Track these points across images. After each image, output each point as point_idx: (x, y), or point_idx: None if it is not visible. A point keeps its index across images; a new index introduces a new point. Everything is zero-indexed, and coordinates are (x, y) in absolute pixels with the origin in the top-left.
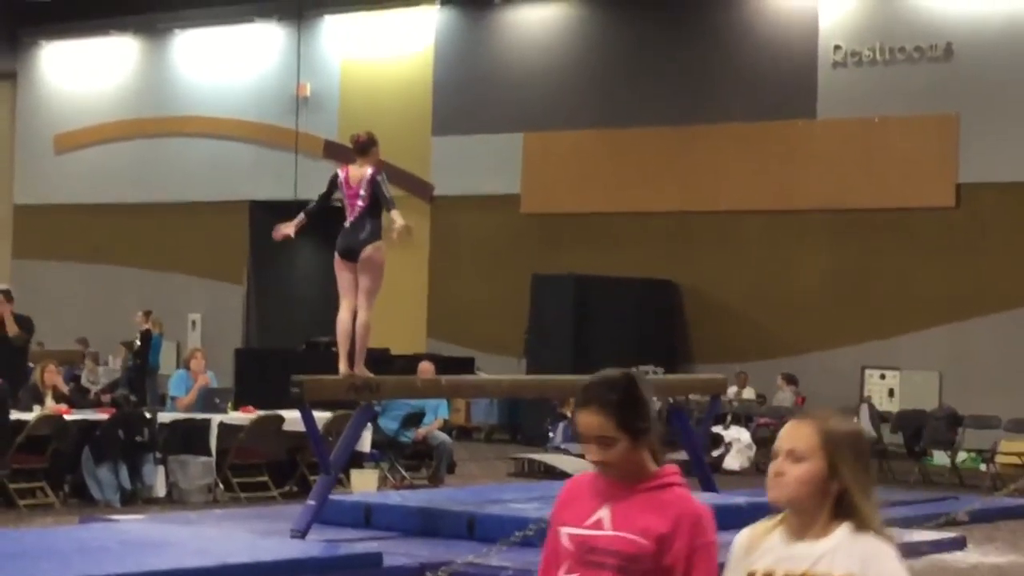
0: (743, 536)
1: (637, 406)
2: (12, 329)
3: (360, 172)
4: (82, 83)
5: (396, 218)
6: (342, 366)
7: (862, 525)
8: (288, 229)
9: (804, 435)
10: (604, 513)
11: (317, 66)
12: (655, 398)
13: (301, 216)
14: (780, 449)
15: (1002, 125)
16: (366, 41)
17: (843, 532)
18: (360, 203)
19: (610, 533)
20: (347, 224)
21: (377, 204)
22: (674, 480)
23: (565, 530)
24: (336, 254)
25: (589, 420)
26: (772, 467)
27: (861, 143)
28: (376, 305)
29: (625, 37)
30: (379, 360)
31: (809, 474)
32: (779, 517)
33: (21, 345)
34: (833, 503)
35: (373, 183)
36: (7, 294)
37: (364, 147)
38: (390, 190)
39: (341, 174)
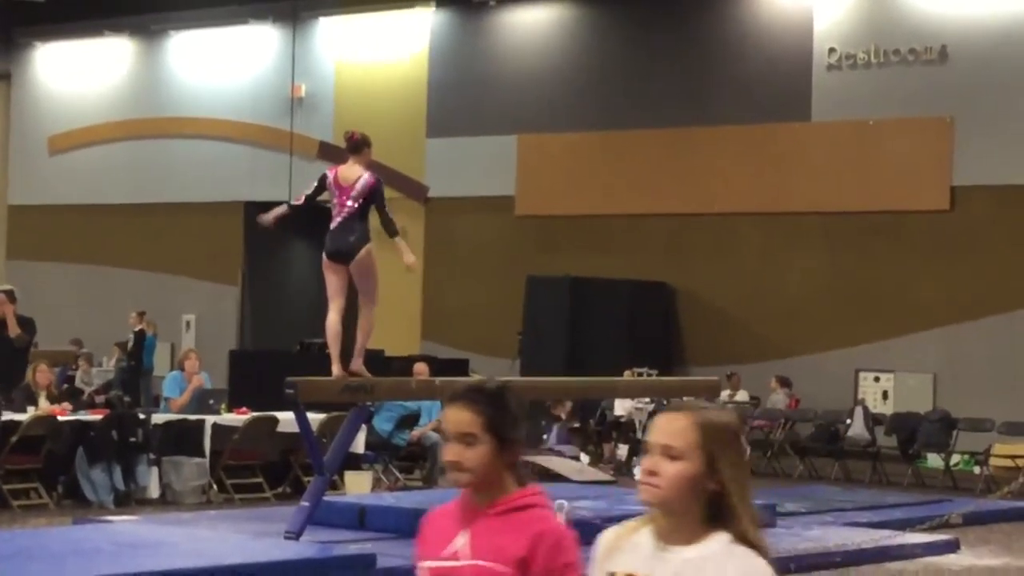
0: (606, 535)
1: (508, 413)
2: (14, 330)
3: (352, 172)
4: (76, 84)
5: (404, 250)
6: (335, 368)
7: (739, 535)
8: (270, 217)
9: (681, 429)
10: (462, 540)
11: (312, 68)
12: (648, 398)
13: (284, 207)
14: (654, 444)
15: (996, 128)
16: (361, 43)
17: (719, 542)
18: (351, 204)
19: (468, 563)
20: (335, 225)
21: (367, 206)
22: (535, 501)
23: (425, 564)
24: (324, 256)
25: (456, 415)
26: (644, 464)
27: (855, 146)
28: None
29: (620, 39)
30: (373, 362)
31: (686, 473)
32: (647, 516)
33: (22, 346)
34: (706, 504)
35: (374, 194)
36: (10, 295)
37: (357, 146)
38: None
39: (330, 175)
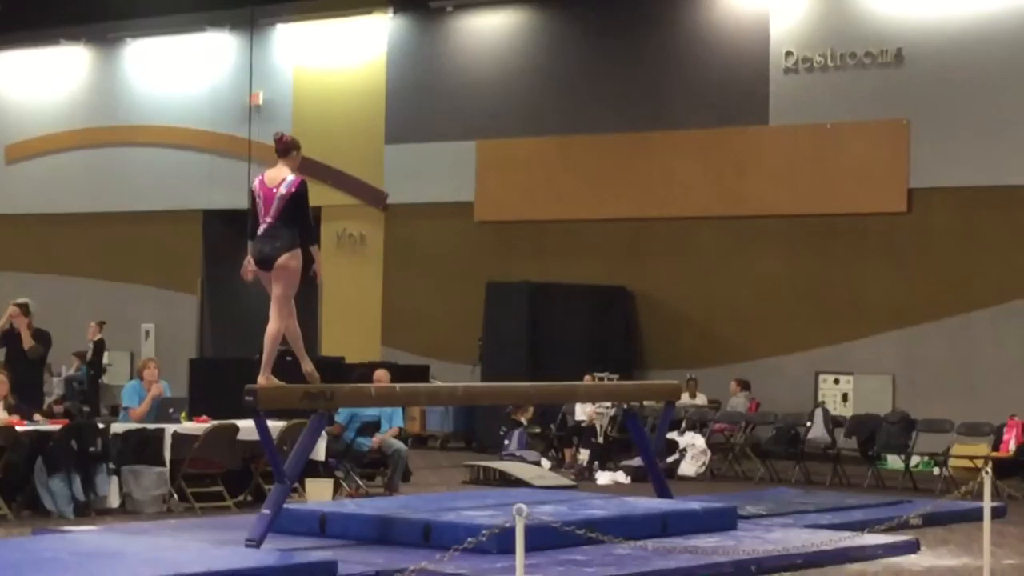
0: None
1: None
2: (28, 342)
3: (278, 174)
4: (33, 93)
5: (316, 256)
6: (260, 376)
7: None
8: (251, 269)
9: None
10: None
11: (270, 74)
12: (609, 402)
13: (248, 257)
14: None
15: (953, 130)
16: (319, 49)
17: None
18: (276, 208)
19: None
20: (260, 231)
21: (292, 209)
22: None
23: None
24: (253, 262)
25: None
26: None
27: (813, 149)
28: (329, 313)
29: (578, 44)
30: (333, 368)
31: None
32: None
33: (36, 358)
34: None
35: (297, 201)
36: (24, 308)
37: (286, 148)
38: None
39: (256, 181)
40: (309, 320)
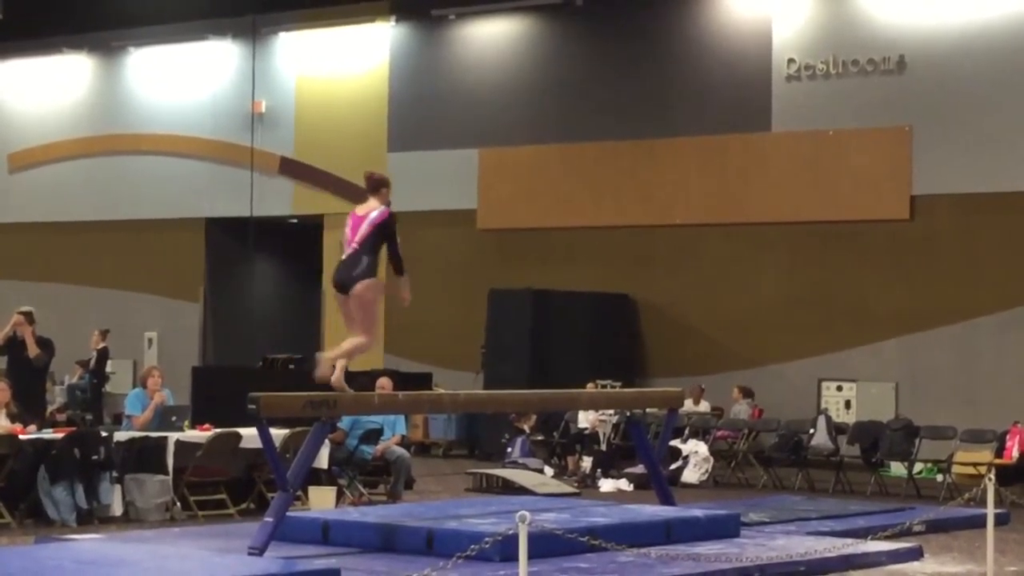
0: None
1: None
2: (33, 350)
3: (368, 206)
4: (36, 101)
5: (405, 287)
6: (325, 354)
7: None
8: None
9: None
10: None
11: (272, 83)
12: (612, 410)
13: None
14: None
15: (955, 137)
16: (321, 57)
17: None
18: (361, 234)
19: None
20: (344, 256)
21: (375, 238)
22: None
23: None
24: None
25: None
26: None
27: (815, 156)
28: (333, 321)
29: (580, 52)
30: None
31: None
32: None
33: (41, 366)
34: None
35: (384, 231)
36: (29, 316)
37: (376, 186)
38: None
39: (351, 215)
40: (313, 328)
